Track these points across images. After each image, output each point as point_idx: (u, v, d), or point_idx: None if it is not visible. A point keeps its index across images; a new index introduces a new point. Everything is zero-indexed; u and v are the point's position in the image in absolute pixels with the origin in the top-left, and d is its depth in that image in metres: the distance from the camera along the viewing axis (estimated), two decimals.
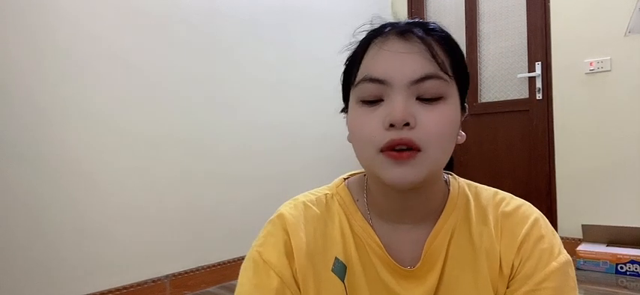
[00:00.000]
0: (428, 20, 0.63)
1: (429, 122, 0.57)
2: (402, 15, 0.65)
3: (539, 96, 3.04)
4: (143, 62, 2.30)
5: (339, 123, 2.83)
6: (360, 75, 0.60)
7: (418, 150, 0.56)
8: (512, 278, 0.63)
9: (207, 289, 2.48)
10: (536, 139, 3.06)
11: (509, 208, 0.66)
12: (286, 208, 0.70)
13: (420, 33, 0.59)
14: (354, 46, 0.64)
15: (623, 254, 2.49)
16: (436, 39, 0.60)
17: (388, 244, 0.66)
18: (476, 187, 0.70)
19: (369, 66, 0.60)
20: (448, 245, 0.65)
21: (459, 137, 0.63)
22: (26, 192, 1.91)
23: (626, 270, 2.46)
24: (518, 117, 3.14)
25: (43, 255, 1.94)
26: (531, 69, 3.08)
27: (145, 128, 2.29)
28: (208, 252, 2.52)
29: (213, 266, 2.53)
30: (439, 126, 0.57)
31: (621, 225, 2.68)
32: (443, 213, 0.66)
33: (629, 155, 2.66)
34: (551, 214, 2.91)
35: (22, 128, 1.91)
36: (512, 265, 0.63)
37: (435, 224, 0.65)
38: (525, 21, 3.11)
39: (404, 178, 0.57)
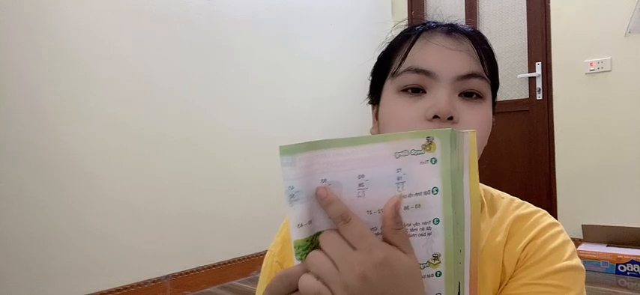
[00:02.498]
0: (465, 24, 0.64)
1: (470, 119, 0.57)
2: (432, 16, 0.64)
3: (539, 96, 3.04)
4: (143, 62, 2.30)
5: (339, 123, 2.84)
6: (404, 66, 0.60)
7: None
8: (516, 271, 0.60)
9: (207, 289, 2.48)
10: (536, 139, 3.06)
11: (522, 213, 0.64)
12: None
13: (467, 32, 0.61)
14: (392, 39, 0.64)
15: (623, 255, 2.48)
16: (477, 41, 0.61)
17: None
18: (492, 194, 0.68)
19: (416, 57, 0.59)
20: None
21: None
22: (26, 192, 1.92)
23: (627, 270, 2.46)
24: (518, 117, 3.14)
25: (43, 255, 1.94)
26: (531, 69, 3.08)
27: (145, 128, 2.29)
28: (208, 252, 2.52)
29: (213, 266, 2.53)
30: (478, 124, 0.58)
31: (621, 225, 2.67)
32: None
33: (629, 155, 2.66)
34: (551, 214, 2.91)
35: (21, 128, 1.91)
36: (518, 259, 0.60)
37: None
38: (525, 21, 3.11)
39: None
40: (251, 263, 2.66)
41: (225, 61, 2.65)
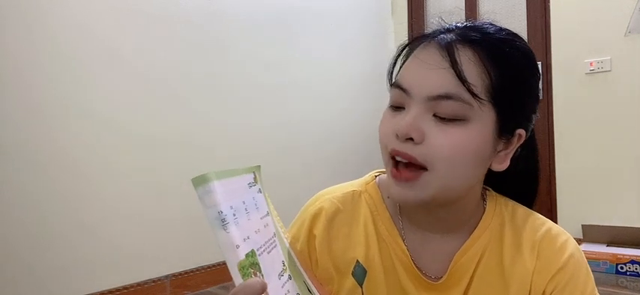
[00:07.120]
0: (489, 25, 0.59)
1: (438, 142, 0.54)
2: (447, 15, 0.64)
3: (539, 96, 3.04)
4: (143, 62, 2.30)
5: (339, 124, 2.84)
6: (394, 79, 0.61)
7: (423, 168, 0.55)
8: None
9: (207, 289, 2.48)
10: (536, 139, 3.06)
11: (548, 235, 0.64)
12: (314, 207, 0.69)
13: (461, 45, 0.56)
14: (402, 46, 0.63)
15: (623, 254, 2.48)
16: (484, 54, 0.56)
17: (414, 251, 0.64)
18: (513, 207, 0.67)
19: (401, 72, 0.60)
20: (477, 264, 0.63)
21: (497, 164, 0.60)
22: (26, 192, 1.91)
23: (626, 270, 2.46)
24: None
25: (43, 255, 1.94)
26: None
27: (145, 128, 2.29)
28: (208, 252, 2.52)
29: (213, 266, 2.53)
30: (449, 148, 0.54)
31: (621, 225, 2.67)
32: (475, 230, 0.64)
33: (629, 155, 2.66)
34: (551, 214, 2.91)
35: (20, 128, 1.91)
36: (544, 292, 0.61)
37: (466, 239, 0.63)
38: (525, 21, 3.11)
39: (405, 197, 0.57)
40: None
41: (225, 60, 2.64)
